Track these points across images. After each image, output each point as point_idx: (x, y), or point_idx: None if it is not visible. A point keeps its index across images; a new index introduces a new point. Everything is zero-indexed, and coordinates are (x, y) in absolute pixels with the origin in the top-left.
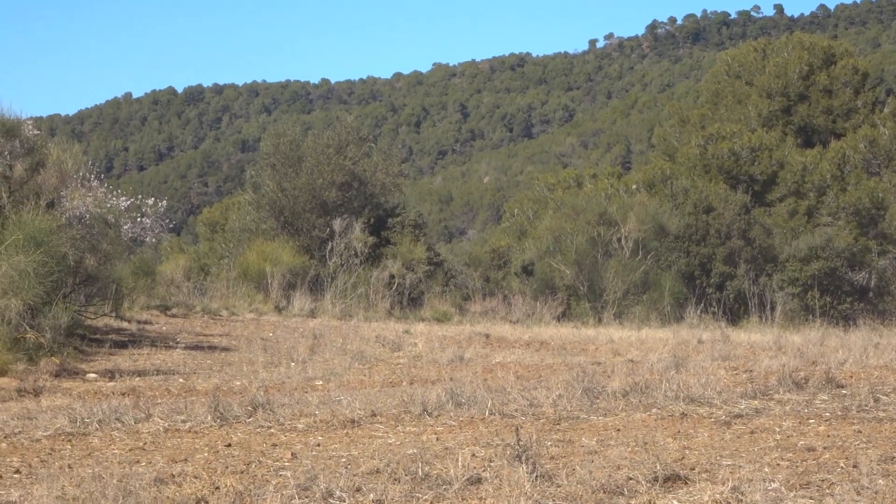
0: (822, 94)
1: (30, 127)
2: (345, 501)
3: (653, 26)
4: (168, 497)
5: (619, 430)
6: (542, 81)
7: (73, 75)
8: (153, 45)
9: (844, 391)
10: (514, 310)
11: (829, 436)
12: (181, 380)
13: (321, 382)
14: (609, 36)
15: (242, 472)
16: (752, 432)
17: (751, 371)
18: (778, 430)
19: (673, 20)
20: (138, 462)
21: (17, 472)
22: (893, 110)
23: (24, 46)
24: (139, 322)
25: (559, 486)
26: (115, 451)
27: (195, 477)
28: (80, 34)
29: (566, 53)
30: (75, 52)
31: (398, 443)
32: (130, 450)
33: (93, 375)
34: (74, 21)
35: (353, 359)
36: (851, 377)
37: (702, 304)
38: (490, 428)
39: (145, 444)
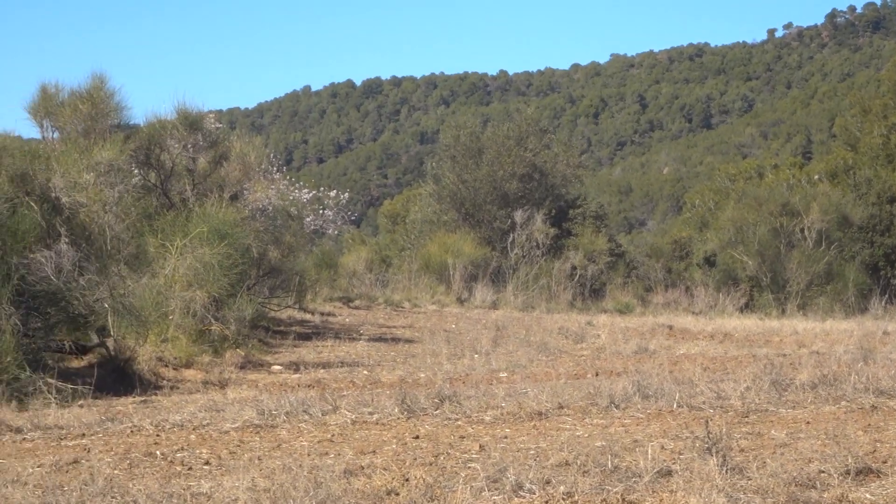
0: None
1: (212, 120)
2: (535, 494)
3: (832, 15)
4: (358, 489)
5: (808, 422)
6: (720, 72)
7: (252, 69)
8: (333, 38)
9: None
10: (697, 301)
11: None
12: (366, 372)
13: (506, 374)
14: (788, 25)
15: (431, 464)
16: None
17: None
18: None
19: (852, 9)
20: (327, 454)
21: (207, 463)
22: None
23: (205, 41)
24: (322, 314)
25: (750, 479)
26: (304, 443)
27: (384, 469)
28: (260, 28)
29: (744, 43)
30: (255, 47)
31: (586, 435)
32: (319, 442)
33: (278, 367)
34: (254, 16)
35: (537, 350)
36: None
37: (886, 295)
38: (678, 420)
39: (333, 436)
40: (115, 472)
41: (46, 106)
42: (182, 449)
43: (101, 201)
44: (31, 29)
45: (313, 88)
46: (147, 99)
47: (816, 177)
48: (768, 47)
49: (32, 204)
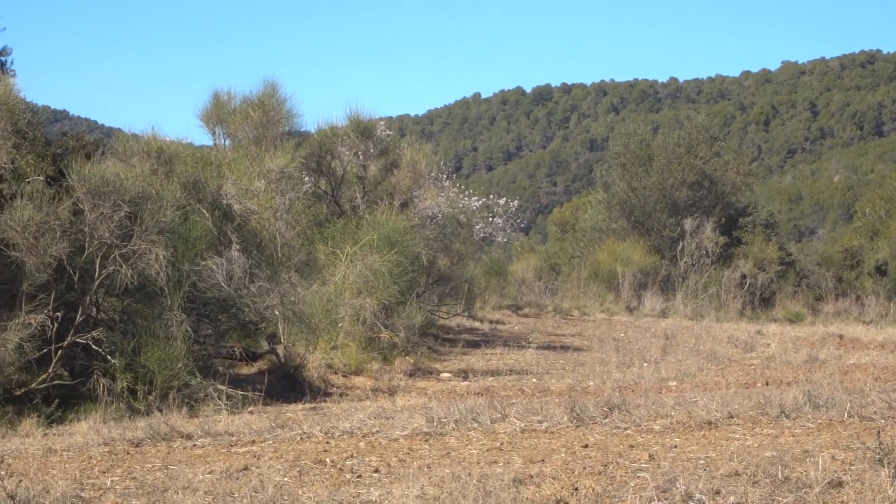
0: None
1: (382, 127)
2: None
3: None
4: (527, 498)
5: None
6: (892, 78)
7: (422, 76)
8: (503, 45)
9: None
10: (868, 310)
11: None
12: (534, 380)
13: (675, 383)
14: None
15: (600, 474)
16: None
17: None
18: None
19: None
20: (496, 462)
21: (377, 471)
22: None
23: (376, 47)
24: (491, 322)
25: None
26: (473, 451)
27: (553, 478)
28: (429, 35)
29: None
30: (425, 53)
31: (756, 445)
32: (487, 450)
33: (446, 375)
34: (423, 23)
35: (706, 359)
36: None
37: None
38: (849, 431)
39: (502, 444)
40: (285, 479)
41: (218, 113)
42: (351, 456)
43: (272, 208)
44: (205, 37)
45: (483, 95)
46: (318, 106)
47: None
48: None
49: (204, 211)
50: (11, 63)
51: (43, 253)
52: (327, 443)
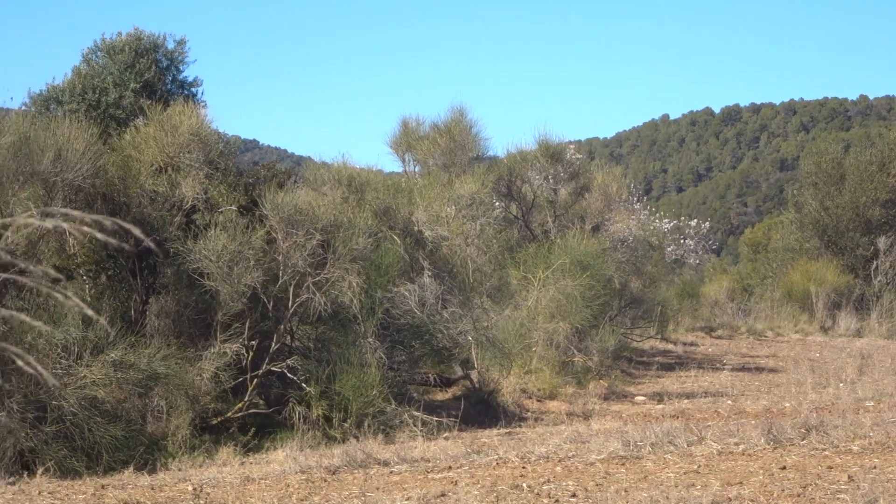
0: None
1: (572, 151)
2: None
3: None
4: None
5: None
6: None
7: (610, 98)
8: (690, 66)
9: None
10: None
11: None
12: (729, 402)
13: (872, 403)
14: None
15: (799, 496)
16: None
17: None
18: None
19: None
20: (693, 485)
21: (574, 495)
22: None
23: (562, 72)
24: (684, 344)
25: None
26: (670, 475)
27: (752, 500)
28: (618, 59)
29: None
30: (612, 77)
31: None
32: (685, 473)
33: (641, 398)
34: (610, 46)
35: None
36: None
37: None
38: None
39: (699, 467)
40: None
41: (407, 140)
42: (548, 481)
43: (463, 234)
44: (392, 65)
45: (671, 117)
46: (506, 130)
47: None
48: None
49: (395, 238)
50: (202, 94)
51: (237, 282)
52: (523, 468)
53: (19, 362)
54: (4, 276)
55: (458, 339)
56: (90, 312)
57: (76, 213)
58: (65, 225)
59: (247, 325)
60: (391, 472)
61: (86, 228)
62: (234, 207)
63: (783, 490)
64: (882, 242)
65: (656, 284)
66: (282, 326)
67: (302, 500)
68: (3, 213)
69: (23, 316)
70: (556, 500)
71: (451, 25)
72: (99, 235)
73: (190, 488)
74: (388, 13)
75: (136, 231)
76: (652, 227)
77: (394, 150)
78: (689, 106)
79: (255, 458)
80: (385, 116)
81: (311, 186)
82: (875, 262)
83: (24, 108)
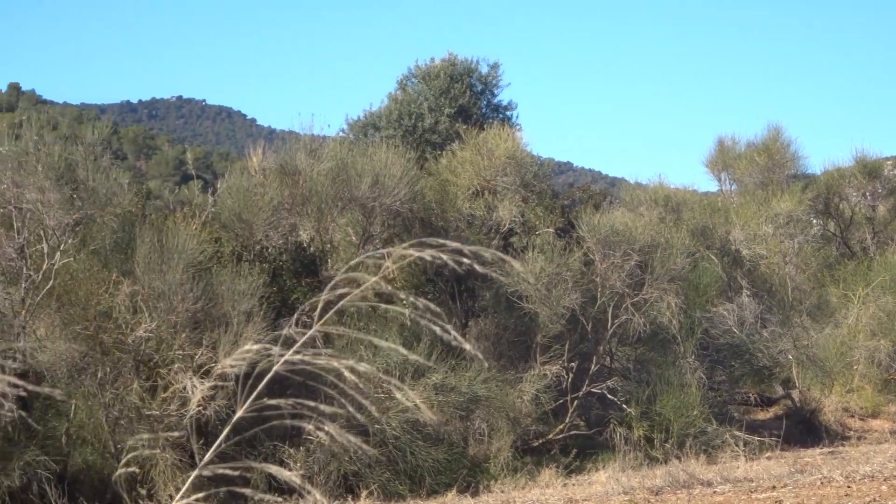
0: None
1: (889, 167)
2: None
3: None
4: None
5: None
6: None
7: None
8: None
9: None
10: None
11: None
12: None
13: None
14: None
15: None
16: None
17: None
18: None
19: None
20: None
21: None
22: None
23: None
24: None
25: None
26: None
27: None
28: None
29: None
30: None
31: None
32: None
33: None
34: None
35: None
36: None
37: None
38: None
39: None
40: None
41: (723, 159)
42: (873, 500)
43: (781, 252)
44: (706, 85)
45: None
46: (822, 147)
47: None
48: None
49: (713, 257)
50: (517, 118)
51: (556, 304)
52: (848, 486)
53: (398, 395)
54: (372, 302)
55: (778, 357)
56: (469, 347)
57: (451, 242)
58: (444, 256)
59: (566, 346)
60: (714, 493)
61: (446, 257)
62: (551, 229)
63: None
64: None
65: None
66: (601, 347)
67: None
68: (324, 237)
69: (384, 342)
70: None
71: (760, 43)
72: (479, 268)
73: None
74: (702, 36)
75: (490, 257)
76: None
77: (710, 169)
78: None
79: (577, 480)
80: (699, 137)
81: (627, 207)
82: None
83: (341, 134)
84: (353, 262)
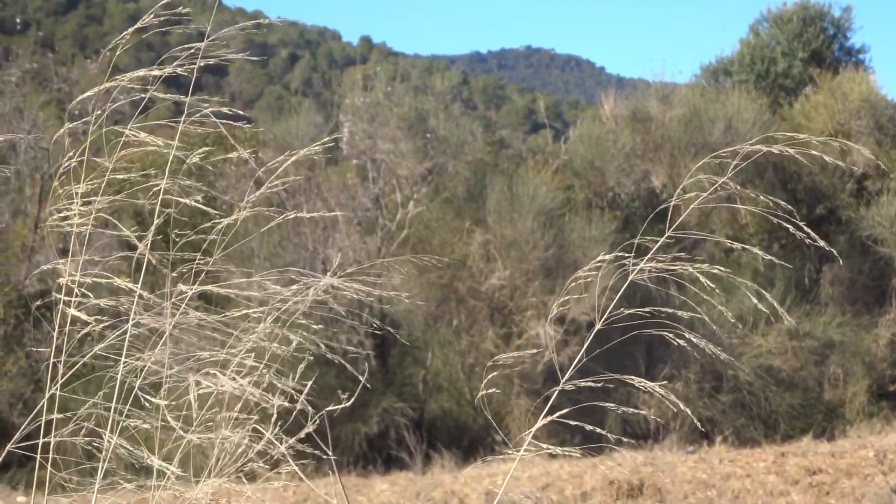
0: None
1: None
2: None
3: None
4: None
5: None
6: None
7: None
8: None
9: None
10: None
11: None
12: None
13: None
14: None
15: None
16: None
17: None
18: None
19: None
20: None
21: None
22: None
23: None
24: None
25: None
26: None
27: None
28: None
29: None
30: None
31: None
32: None
33: None
34: None
35: None
36: None
37: None
38: None
39: None
40: None
41: None
42: None
43: None
44: None
45: None
46: None
47: None
48: None
49: None
50: (870, 61)
51: None
52: None
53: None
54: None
55: None
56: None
57: (746, 191)
58: (739, 206)
59: None
60: None
61: (754, 209)
62: None
63: None
64: None
65: None
66: None
67: None
68: (676, 183)
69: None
70: None
71: None
72: (771, 217)
73: (871, 454)
74: None
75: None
76: None
77: None
78: None
79: None
80: None
81: None
82: None
83: (693, 80)
84: (698, 201)
